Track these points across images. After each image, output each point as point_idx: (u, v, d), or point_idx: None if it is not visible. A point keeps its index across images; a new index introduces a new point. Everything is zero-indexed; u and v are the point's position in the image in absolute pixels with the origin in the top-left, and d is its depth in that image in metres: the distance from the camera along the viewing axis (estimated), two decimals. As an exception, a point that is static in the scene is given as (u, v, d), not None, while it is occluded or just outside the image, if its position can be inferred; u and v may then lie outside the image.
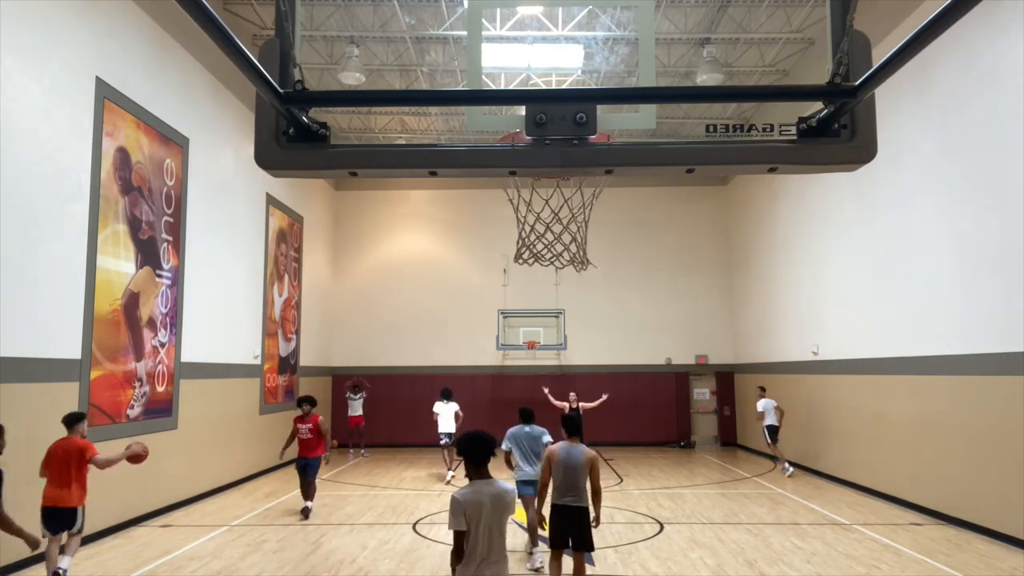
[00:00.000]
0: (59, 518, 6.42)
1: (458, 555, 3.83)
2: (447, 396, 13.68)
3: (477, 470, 3.97)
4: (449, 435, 13.27)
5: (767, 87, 13.15)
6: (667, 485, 12.84)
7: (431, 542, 8.61)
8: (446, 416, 13.39)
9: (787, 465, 13.86)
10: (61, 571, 6.49)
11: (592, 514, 5.84)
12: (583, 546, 5.86)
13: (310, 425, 9.98)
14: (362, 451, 17.34)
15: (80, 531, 6.68)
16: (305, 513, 9.93)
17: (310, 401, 10.24)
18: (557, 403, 13.97)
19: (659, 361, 19.61)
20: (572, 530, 5.83)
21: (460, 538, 3.82)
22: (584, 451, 5.94)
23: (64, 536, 6.56)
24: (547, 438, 7.59)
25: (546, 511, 6.08)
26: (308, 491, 10.06)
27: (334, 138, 3.32)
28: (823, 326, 13.61)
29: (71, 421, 6.78)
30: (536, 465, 7.41)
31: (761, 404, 14.21)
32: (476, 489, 3.89)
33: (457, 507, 3.81)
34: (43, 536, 6.25)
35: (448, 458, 13.69)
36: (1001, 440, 8.46)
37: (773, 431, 13.97)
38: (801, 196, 14.72)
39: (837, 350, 12.98)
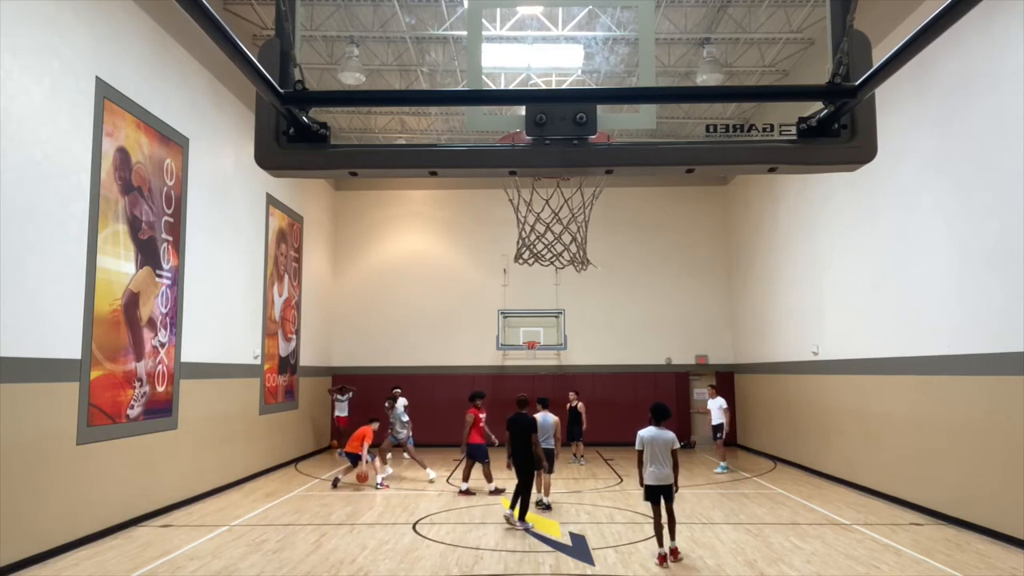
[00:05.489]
0: (354, 457, 12.50)
1: (638, 463, 7.57)
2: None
3: (657, 422, 7.51)
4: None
5: (767, 87, 13.14)
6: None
7: (431, 542, 8.61)
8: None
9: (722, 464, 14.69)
10: (337, 480, 12.66)
11: (554, 454, 10.84)
12: (551, 471, 10.72)
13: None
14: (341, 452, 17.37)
15: (366, 463, 12.42)
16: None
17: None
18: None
19: (659, 361, 19.61)
20: (550, 461, 10.64)
21: (638, 455, 7.56)
22: (554, 417, 11.01)
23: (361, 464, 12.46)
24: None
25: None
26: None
27: (334, 138, 3.31)
28: (823, 326, 13.61)
29: (370, 420, 12.99)
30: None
31: (710, 403, 14.86)
32: (653, 431, 7.47)
33: (638, 436, 7.54)
34: (344, 465, 12.89)
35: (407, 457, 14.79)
36: (1001, 440, 8.47)
37: (718, 430, 14.58)
38: (801, 196, 14.72)
39: (837, 350, 12.98)
